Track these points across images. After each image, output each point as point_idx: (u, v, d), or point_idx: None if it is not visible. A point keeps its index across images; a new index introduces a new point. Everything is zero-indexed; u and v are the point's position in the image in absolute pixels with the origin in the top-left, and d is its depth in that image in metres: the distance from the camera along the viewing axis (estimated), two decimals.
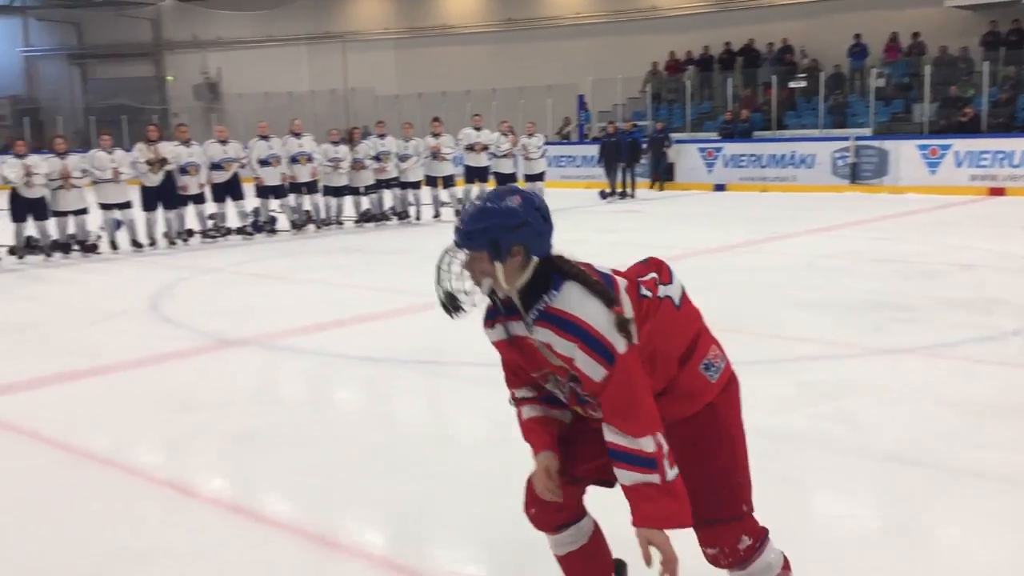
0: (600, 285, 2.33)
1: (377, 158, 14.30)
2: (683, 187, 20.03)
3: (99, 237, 12.17)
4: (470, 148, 15.33)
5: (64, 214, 11.76)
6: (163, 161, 12.31)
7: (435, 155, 14.76)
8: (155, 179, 12.33)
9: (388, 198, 14.81)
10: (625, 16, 26.52)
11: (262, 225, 13.69)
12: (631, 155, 18.52)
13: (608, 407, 2.28)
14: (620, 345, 2.26)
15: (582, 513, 2.64)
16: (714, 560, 2.50)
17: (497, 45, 28.32)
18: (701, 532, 2.45)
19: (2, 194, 11.83)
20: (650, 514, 2.24)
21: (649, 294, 2.41)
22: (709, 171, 20.11)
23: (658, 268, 2.50)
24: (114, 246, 12.15)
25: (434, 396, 5.74)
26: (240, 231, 13.38)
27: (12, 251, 11.56)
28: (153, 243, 12.48)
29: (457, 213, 15.24)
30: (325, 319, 7.71)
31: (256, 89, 30.00)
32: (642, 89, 24.17)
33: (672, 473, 2.26)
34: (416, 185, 14.87)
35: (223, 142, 13.21)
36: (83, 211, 11.87)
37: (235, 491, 4.18)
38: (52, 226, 11.70)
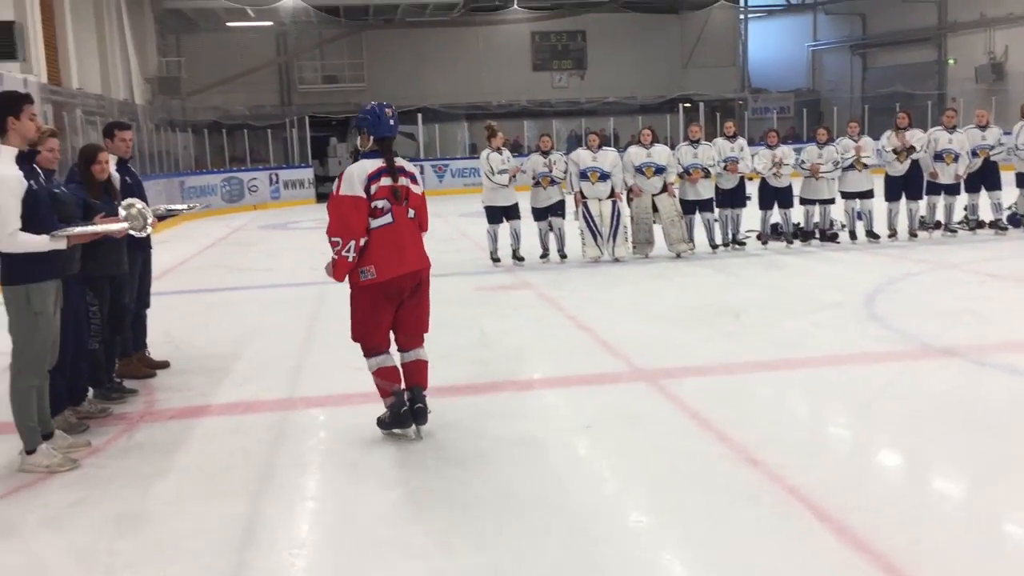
0: (377, 166, 4.66)
1: None
2: None
3: (842, 226, 12.20)
4: None
5: (812, 202, 12.03)
6: (910, 149, 11.73)
7: None
8: (900, 168, 11.82)
9: None
10: None
11: (1021, 219, 12.20)
12: None
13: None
14: (343, 189, 4.63)
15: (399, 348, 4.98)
16: None
17: None
18: None
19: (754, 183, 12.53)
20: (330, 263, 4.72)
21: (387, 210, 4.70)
22: None
23: (397, 207, 4.70)
24: (852, 236, 12.06)
25: None
26: (993, 225, 12.12)
27: (759, 237, 12.23)
28: (893, 234, 12.02)
29: None
30: None
31: None
32: None
33: (341, 257, 4.61)
34: None
35: (981, 127, 12.06)
36: (830, 201, 11.99)
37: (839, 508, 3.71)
38: (799, 214, 12.07)
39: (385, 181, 4.66)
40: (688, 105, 31.23)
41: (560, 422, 5.17)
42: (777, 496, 3.99)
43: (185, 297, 10.31)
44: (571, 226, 11.47)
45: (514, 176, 11.24)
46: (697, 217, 11.67)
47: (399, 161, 4.77)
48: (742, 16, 35.57)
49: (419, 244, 4.85)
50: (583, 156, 11.21)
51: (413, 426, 4.90)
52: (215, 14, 29.33)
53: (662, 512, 3.90)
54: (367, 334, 4.83)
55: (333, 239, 4.61)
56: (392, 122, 4.74)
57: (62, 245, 4.59)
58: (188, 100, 29.01)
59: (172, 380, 6.45)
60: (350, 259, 4.58)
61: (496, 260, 11.46)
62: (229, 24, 30.38)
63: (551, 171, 11.31)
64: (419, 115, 28.74)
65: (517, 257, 11.52)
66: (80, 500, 4.27)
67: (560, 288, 9.67)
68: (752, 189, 11.89)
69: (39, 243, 4.49)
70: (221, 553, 3.65)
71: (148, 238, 6.30)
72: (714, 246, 11.77)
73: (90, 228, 4.96)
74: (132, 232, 5.49)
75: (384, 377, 4.87)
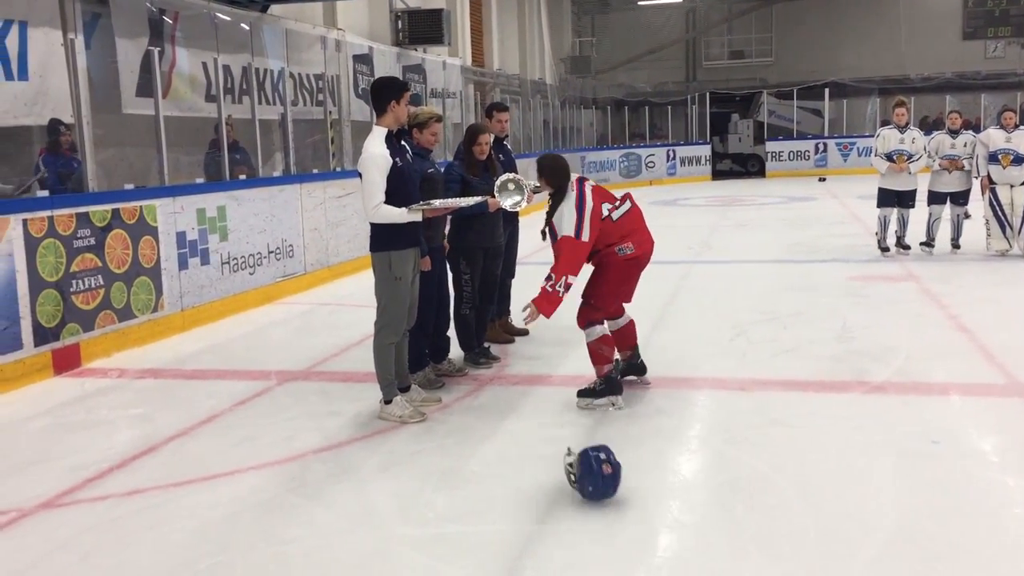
0: (579, 201, 5.16)
1: None
2: None
3: None
4: None
5: None
6: None
7: None
8: None
9: None
10: None
11: None
12: None
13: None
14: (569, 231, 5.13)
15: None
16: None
17: None
18: (581, 306, 5.37)
19: None
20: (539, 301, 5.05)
21: (605, 214, 5.23)
22: None
23: (623, 198, 5.43)
24: None
25: None
26: None
27: None
28: None
29: None
30: None
31: None
32: None
33: (558, 289, 5.03)
34: None
35: None
36: None
37: None
38: None
39: (605, 207, 5.28)
40: None
41: (903, 432, 4.68)
42: None
43: None
44: (976, 214, 10.29)
45: (902, 168, 10.19)
46: None
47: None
48: None
49: (647, 228, 5.49)
50: (994, 136, 9.97)
51: (621, 394, 5.31)
52: None
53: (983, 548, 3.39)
54: (612, 301, 5.45)
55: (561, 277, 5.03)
56: None
57: (417, 217, 5.03)
58: (596, 79, 30.19)
59: (527, 348, 6.81)
60: (562, 296, 5.05)
61: (884, 249, 10.59)
62: (641, 3, 31.06)
63: (959, 153, 10.19)
64: (826, 90, 27.35)
65: (902, 245, 10.59)
66: (418, 451, 4.69)
67: (949, 282, 8.72)
68: None
69: (398, 215, 4.96)
70: (522, 520, 3.80)
71: (516, 213, 6.67)
72: None
73: (445, 202, 5.37)
74: (505, 206, 5.80)
75: (607, 344, 5.34)
